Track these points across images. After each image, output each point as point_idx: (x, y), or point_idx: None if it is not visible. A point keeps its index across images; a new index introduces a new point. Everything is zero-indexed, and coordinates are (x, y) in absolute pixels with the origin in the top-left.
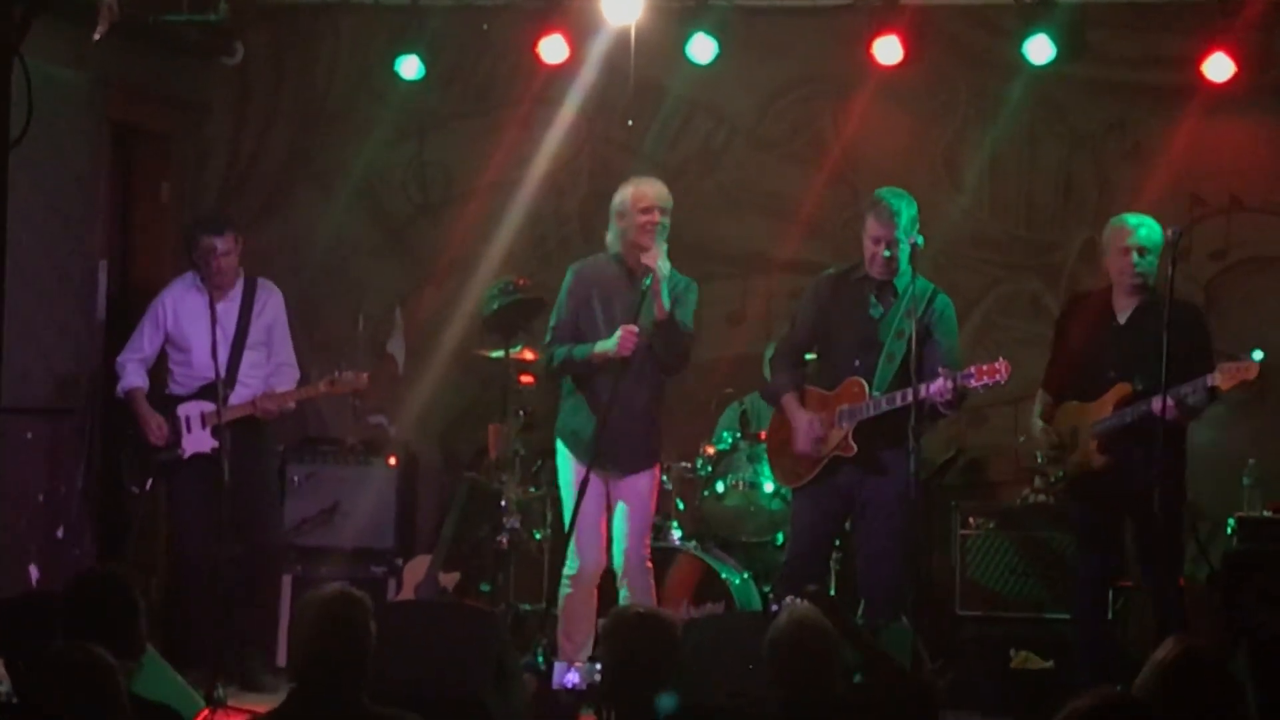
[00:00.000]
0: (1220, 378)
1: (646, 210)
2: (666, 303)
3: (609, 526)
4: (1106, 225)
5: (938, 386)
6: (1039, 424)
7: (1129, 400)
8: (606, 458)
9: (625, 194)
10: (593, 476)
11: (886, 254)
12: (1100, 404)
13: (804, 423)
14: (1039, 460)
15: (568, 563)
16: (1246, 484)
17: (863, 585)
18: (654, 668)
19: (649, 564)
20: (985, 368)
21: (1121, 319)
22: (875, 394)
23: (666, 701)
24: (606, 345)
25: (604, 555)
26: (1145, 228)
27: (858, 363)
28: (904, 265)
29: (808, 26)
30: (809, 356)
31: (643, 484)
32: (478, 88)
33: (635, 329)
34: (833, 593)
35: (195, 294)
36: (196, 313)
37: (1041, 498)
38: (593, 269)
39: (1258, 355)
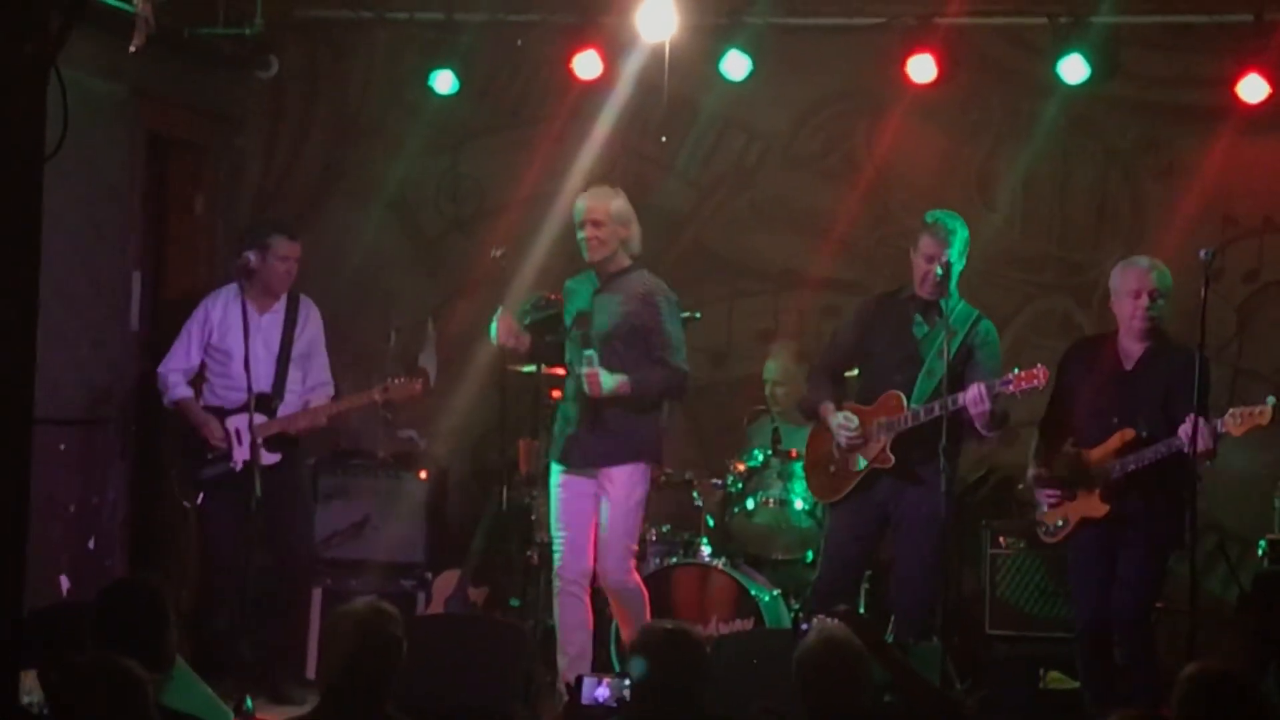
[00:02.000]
0: (1232, 423)
1: (580, 226)
2: (606, 384)
3: (591, 527)
4: (1115, 268)
5: (972, 395)
6: (1035, 471)
7: (1132, 447)
8: (568, 454)
9: (574, 208)
10: (574, 478)
11: (939, 272)
12: (1102, 449)
13: (840, 420)
14: (1040, 510)
15: (553, 558)
16: (1278, 506)
17: (895, 601)
18: (683, 684)
19: (622, 584)
20: (1024, 373)
21: (1128, 365)
22: (913, 406)
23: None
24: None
25: (583, 552)
26: (1158, 271)
27: (898, 378)
28: (952, 288)
29: (842, 44)
30: (849, 375)
31: (610, 487)
32: (511, 103)
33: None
34: (862, 610)
35: (238, 305)
36: (240, 325)
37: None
38: (572, 284)
39: (1271, 400)
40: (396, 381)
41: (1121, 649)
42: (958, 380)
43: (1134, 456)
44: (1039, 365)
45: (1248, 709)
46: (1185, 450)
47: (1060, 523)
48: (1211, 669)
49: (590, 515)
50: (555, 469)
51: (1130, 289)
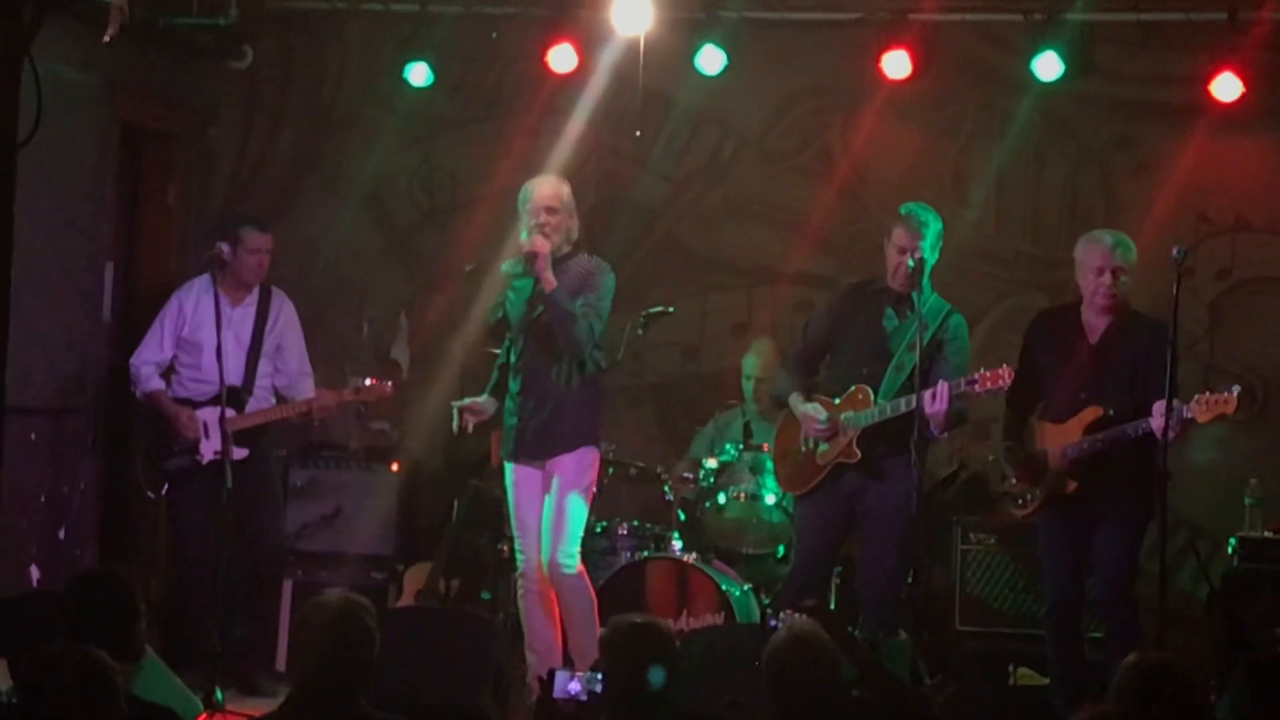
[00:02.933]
0: (1197, 409)
1: (533, 213)
2: (552, 280)
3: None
4: (1079, 241)
5: (938, 394)
6: (1007, 444)
7: (1100, 425)
8: (517, 448)
9: (521, 194)
10: (522, 470)
11: (911, 264)
12: (1070, 427)
13: (808, 411)
14: (1009, 482)
15: (515, 561)
16: (1248, 504)
17: (861, 595)
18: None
19: (567, 573)
20: (989, 374)
21: (1093, 339)
22: (880, 401)
23: (656, 675)
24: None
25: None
26: (1122, 246)
27: (865, 370)
28: (924, 281)
29: (817, 40)
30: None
31: (558, 474)
32: (486, 95)
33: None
34: (833, 605)
35: (210, 298)
36: (211, 318)
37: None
38: (510, 270)
39: (1236, 388)
40: (368, 383)
41: (1109, 632)
42: (925, 375)
43: (1101, 436)
44: (1004, 366)
45: (1186, 702)
46: (1152, 433)
47: (1030, 496)
48: (1152, 660)
49: (540, 505)
50: (508, 468)
51: (1094, 265)
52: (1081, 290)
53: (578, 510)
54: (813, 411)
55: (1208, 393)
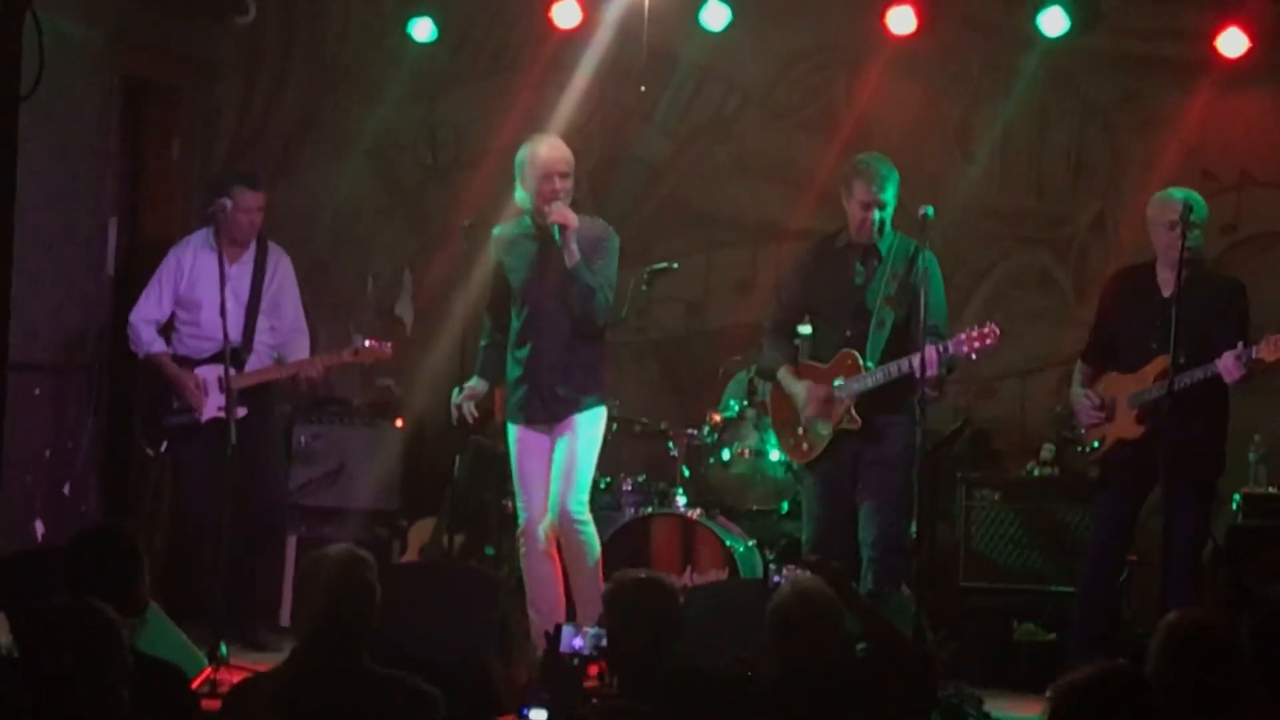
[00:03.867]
0: (1265, 349)
1: (545, 179)
2: (577, 254)
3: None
4: (1152, 199)
5: (929, 358)
6: (1080, 390)
7: (1170, 372)
8: (531, 411)
9: (523, 157)
10: (527, 431)
11: (878, 216)
12: (1140, 375)
13: (804, 391)
14: (1076, 430)
15: (518, 519)
16: (1253, 459)
17: (864, 550)
18: (655, 632)
19: (578, 519)
20: (976, 333)
21: (1166, 292)
22: (869, 365)
23: None
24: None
25: (545, 508)
26: (1193, 202)
27: (849, 333)
28: (888, 228)
29: None
30: (803, 330)
31: (568, 431)
32: (490, 51)
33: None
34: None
35: (209, 253)
36: (210, 274)
37: (1048, 470)
38: (508, 234)
39: None
40: (367, 344)
41: (1174, 597)
42: (906, 324)
43: (1171, 381)
44: (989, 324)
45: (1225, 661)
46: (1220, 376)
47: (1096, 443)
48: (1191, 619)
49: (546, 472)
50: (512, 429)
51: (1166, 220)
52: (1155, 246)
53: (588, 460)
54: (805, 391)
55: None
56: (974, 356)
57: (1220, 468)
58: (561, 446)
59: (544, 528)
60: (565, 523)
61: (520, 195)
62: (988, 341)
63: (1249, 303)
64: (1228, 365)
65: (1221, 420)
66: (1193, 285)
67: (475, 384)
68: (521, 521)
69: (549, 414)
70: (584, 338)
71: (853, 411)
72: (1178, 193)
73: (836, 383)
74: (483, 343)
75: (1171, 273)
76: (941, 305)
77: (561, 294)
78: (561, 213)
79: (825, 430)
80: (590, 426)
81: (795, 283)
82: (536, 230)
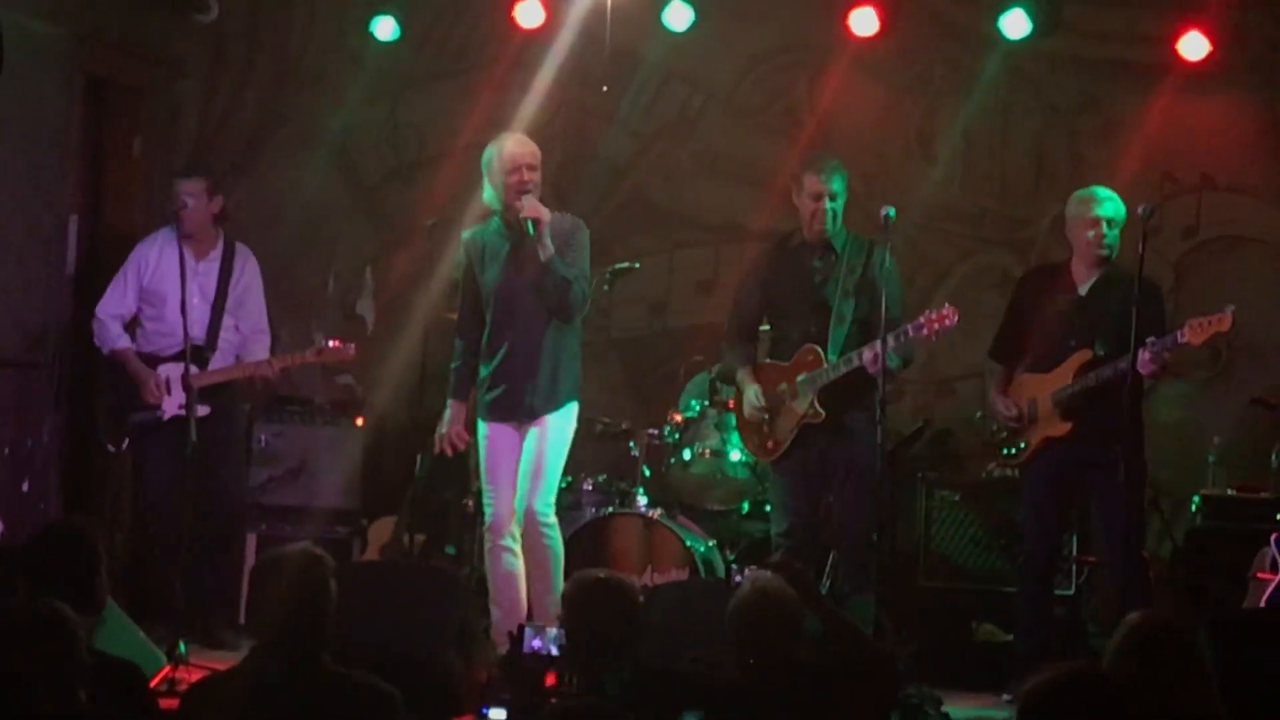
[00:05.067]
0: (1190, 333)
1: (512, 172)
2: (550, 248)
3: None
4: (1072, 196)
5: (891, 346)
6: (1000, 398)
7: (1091, 365)
8: (505, 408)
9: (489, 156)
10: (500, 427)
11: (830, 206)
12: (1060, 372)
13: (749, 396)
14: (997, 433)
15: (484, 517)
16: (1211, 461)
17: (838, 552)
18: (614, 632)
19: (543, 520)
20: (935, 315)
21: (1083, 290)
22: (831, 358)
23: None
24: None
25: (513, 506)
26: (1112, 202)
27: (812, 329)
28: (839, 222)
29: None
30: (763, 328)
31: (539, 429)
32: (453, 50)
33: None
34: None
35: (174, 250)
36: (175, 270)
37: (1007, 472)
38: (479, 236)
39: (1230, 307)
40: (331, 345)
41: (1127, 590)
42: (866, 318)
43: (1093, 374)
44: (947, 305)
45: (1186, 662)
46: (1141, 377)
47: (1023, 445)
48: (1155, 619)
49: (514, 463)
50: (482, 426)
51: (1086, 216)
52: (1073, 243)
53: (558, 460)
54: (754, 399)
55: (1201, 316)
56: (933, 338)
57: (1144, 464)
58: (530, 444)
59: (510, 526)
60: (530, 523)
61: (488, 194)
62: (946, 322)
63: (1164, 302)
64: (1145, 359)
65: (1139, 417)
66: (1108, 282)
67: (452, 410)
68: (488, 518)
69: (524, 412)
70: (559, 334)
71: (816, 405)
72: (1100, 190)
73: (800, 378)
74: (454, 364)
75: (1090, 270)
76: (899, 298)
77: (537, 289)
78: (533, 207)
79: (789, 426)
80: (562, 425)
81: (753, 284)
82: (507, 229)
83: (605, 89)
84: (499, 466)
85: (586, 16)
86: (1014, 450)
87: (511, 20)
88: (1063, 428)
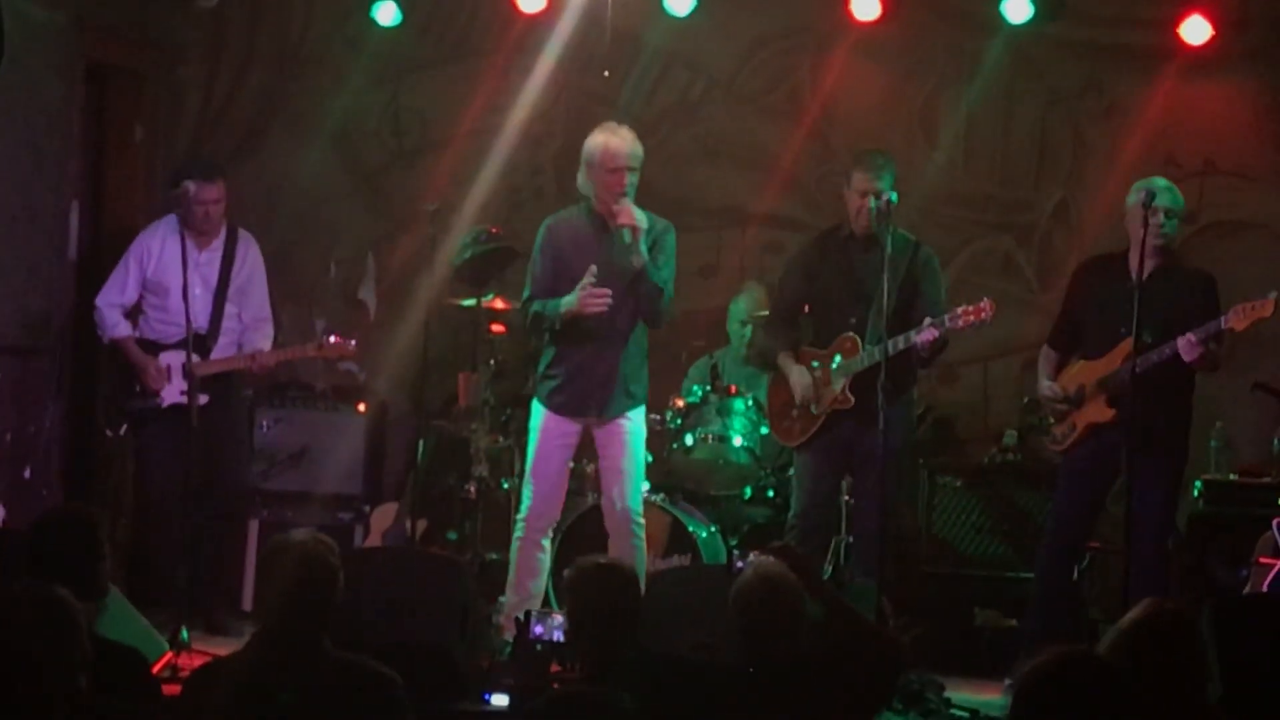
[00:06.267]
0: (1234, 319)
1: (614, 170)
2: (645, 255)
3: (568, 476)
4: (1133, 187)
5: (926, 336)
6: (1047, 383)
7: (1137, 353)
8: (581, 404)
9: (595, 145)
10: (566, 422)
11: (874, 205)
12: (1109, 359)
13: (796, 377)
14: (1045, 419)
15: (520, 505)
16: (1214, 446)
17: (856, 537)
18: (615, 619)
19: (638, 520)
20: (971, 308)
21: (1139, 279)
22: (868, 347)
23: None
24: (569, 301)
25: (558, 501)
26: (1171, 193)
27: (852, 319)
28: (889, 220)
29: None
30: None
31: (623, 429)
32: (454, 36)
33: (604, 292)
34: (842, 549)
35: (177, 239)
36: (178, 259)
37: (1010, 457)
38: (565, 223)
39: (1273, 294)
40: (332, 340)
41: (1139, 583)
42: (907, 312)
43: (1137, 360)
44: (985, 299)
45: (1186, 651)
46: (1184, 362)
47: (1069, 429)
48: (1164, 607)
49: (567, 466)
50: (542, 414)
51: (1145, 207)
52: (1130, 234)
53: (643, 457)
54: (800, 377)
55: (1244, 301)
56: (968, 331)
57: (1184, 456)
58: (613, 443)
59: (549, 524)
60: (625, 521)
61: (583, 182)
62: (982, 315)
63: (1219, 297)
64: (1186, 343)
65: (1185, 408)
66: (1164, 273)
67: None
68: (525, 509)
69: (598, 410)
70: (640, 334)
71: (847, 391)
72: (1160, 181)
73: (836, 359)
74: (535, 307)
75: (1147, 260)
76: (940, 303)
77: (627, 290)
78: (628, 213)
79: (818, 410)
80: (641, 423)
81: (798, 273)
82: (596, 220)
83: (607, 74)
84: (552, 460)
85: (587, 1)
86: (1061, 436)
87: (513, 5)
88: (1107, 413)
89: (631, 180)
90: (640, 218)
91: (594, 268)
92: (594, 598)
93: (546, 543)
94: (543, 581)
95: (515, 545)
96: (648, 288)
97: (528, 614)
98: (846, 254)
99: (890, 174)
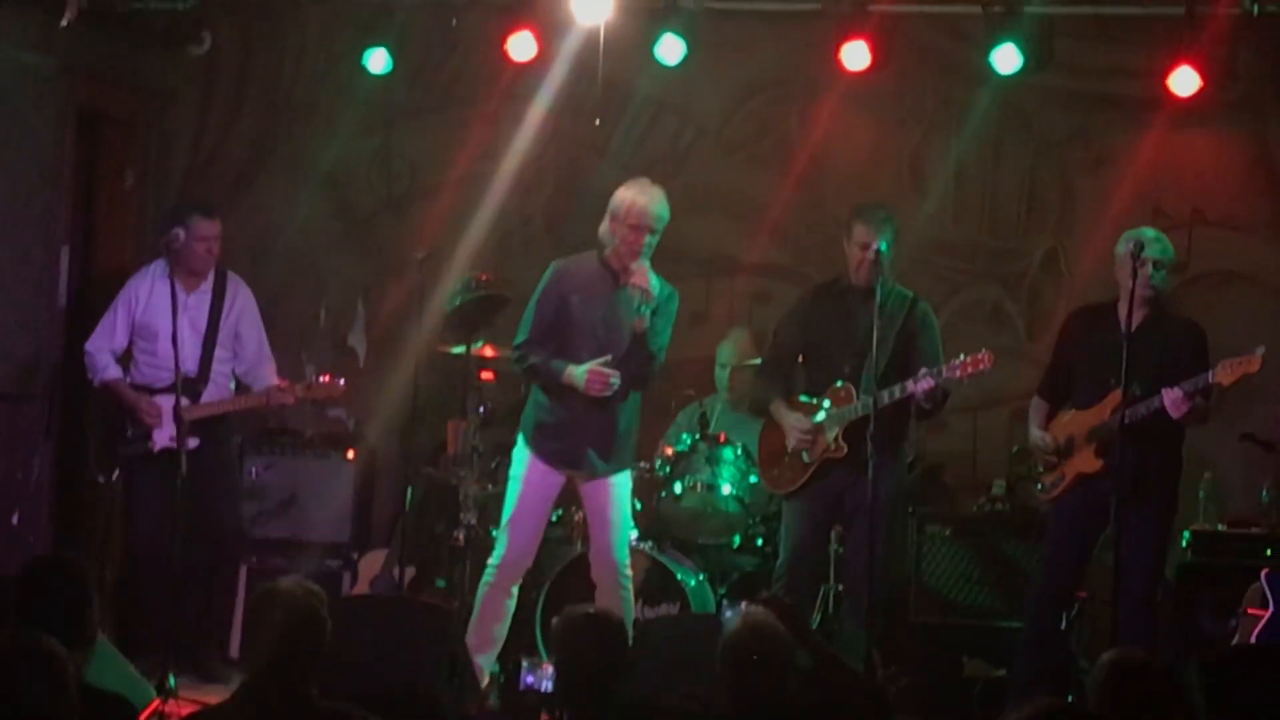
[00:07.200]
0: (1221, 373)
1: (635, 228)
2: (648, 321)
3: (545, 526)
4: (1122, 237)
5: (924, 385)
6: (1037, 432)
7: (1125, 404)
8: (574, 458)
9: (622, 200)
10: (553, 474)
11: (874, 257)
12: (1098, 409)
13: (792, 421)
14: (1035, 468)
15: (495, 550)
16: (1201, 497)
17: (847, 588)
18: (603, 669)
19: (625, 572)
20: (970, 359)
21: (1128, 330)
22: (863, 396)
23: None
24: (574, 377)
25: (532, 552)
26: (1160, 243)
27: (846, 369)
28: (885, 273)
29: (776, 30)
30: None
31: (614, 486)
32: (445, 83)
33: (611, 375)
34: (830, 598)
35: (166, 283)
36: (167, 304)
37: (999, 506)
38: (577, 268)
39: (1260, 349)
40: (321, 381)
41: (1127, 633)
42: (903, 365)
43: (1125, 412)
44: (984, 351)
45: (1166, 698)
46: (1170, 418)
47: (1058, 479)
48: (1131, 656)
49: (547, 516)
50: (528, 459)
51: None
52: (1120, 284)
53: (630, 512)
54: (797, 422)
55: (1232, 357)
56: (966, 381)
57: (1173, 506)
58: (602, 494)
59: (520, 574)
60: (614, 573)
61: (604, 232)
62: (980, 366)
63: (1207, 347)
64: (1173, 398)
65: (1174, 458)
66: (1154, 323)
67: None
68: (499, 556)
69: (594, 467)
70: (636, 394)
71: (840, 439)
72: (1149, 232)
73: (825, 403)
74: (534, 360)
75: (1136, 311)
76: (939, 357)
77: (628, 349)
78: (642, 277)
79: (810, 459)
80: (628, 480)
81: (794, 323)
82: (609, 272)
83: (597, 122)
84: (532, 510)
85: (578, 50)
86: (1050, 485)
87: (504, 53)
88: (1095, 464)
89: (650, 242)
90: (652, 284)
91: (609, 356)
92: (582, 648)
93: (515, 589)
94: (505, 627)
95: (483, 590)
96: (642, 354)
97: (517, 663)
98: (844, 305)
99: (891, 228)
